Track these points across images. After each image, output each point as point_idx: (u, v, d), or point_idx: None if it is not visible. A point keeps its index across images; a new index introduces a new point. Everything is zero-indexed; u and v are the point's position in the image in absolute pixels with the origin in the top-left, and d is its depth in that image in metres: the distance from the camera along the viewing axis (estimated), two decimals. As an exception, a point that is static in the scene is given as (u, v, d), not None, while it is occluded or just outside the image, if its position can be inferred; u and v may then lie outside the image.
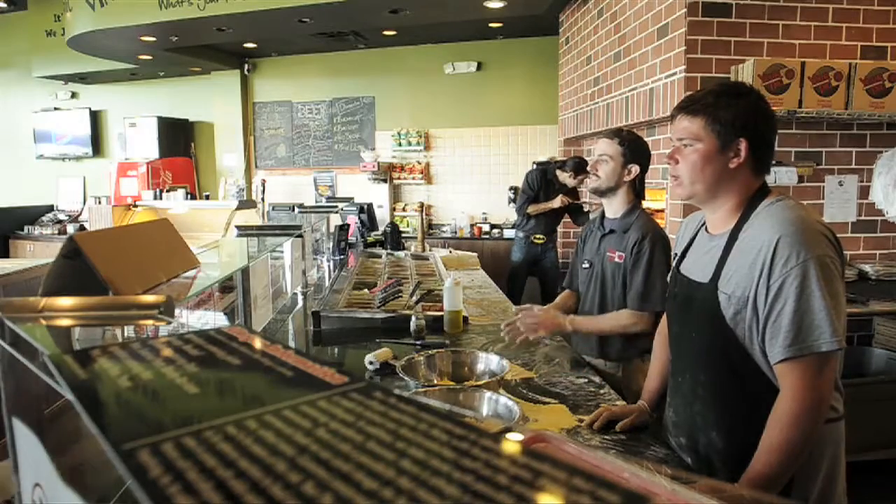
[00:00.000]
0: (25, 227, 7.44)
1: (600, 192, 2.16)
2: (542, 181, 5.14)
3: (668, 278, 1.60)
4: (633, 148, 2.11)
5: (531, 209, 5.12)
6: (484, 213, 6.98)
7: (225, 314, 2.11)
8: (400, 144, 7.20)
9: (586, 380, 1.92)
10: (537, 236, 5.14)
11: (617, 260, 2.10)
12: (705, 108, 1.34)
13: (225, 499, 0.22)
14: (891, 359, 3.08)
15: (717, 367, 1.36)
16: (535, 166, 6.43)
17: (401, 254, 4.36)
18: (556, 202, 4.95)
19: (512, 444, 0.26)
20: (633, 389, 2.10)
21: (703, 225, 1.49)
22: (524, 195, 5.19)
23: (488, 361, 1.81)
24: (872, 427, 2.71)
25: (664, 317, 1.67)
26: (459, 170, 7.17)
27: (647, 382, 1.72)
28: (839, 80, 3.01)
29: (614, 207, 2.17)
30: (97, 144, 8.19)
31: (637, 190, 2.16)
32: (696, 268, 1.43)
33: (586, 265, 2.26)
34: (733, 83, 1.41)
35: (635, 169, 2.11)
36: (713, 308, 1.32)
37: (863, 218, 3.35)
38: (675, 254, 1.58)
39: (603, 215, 2.24)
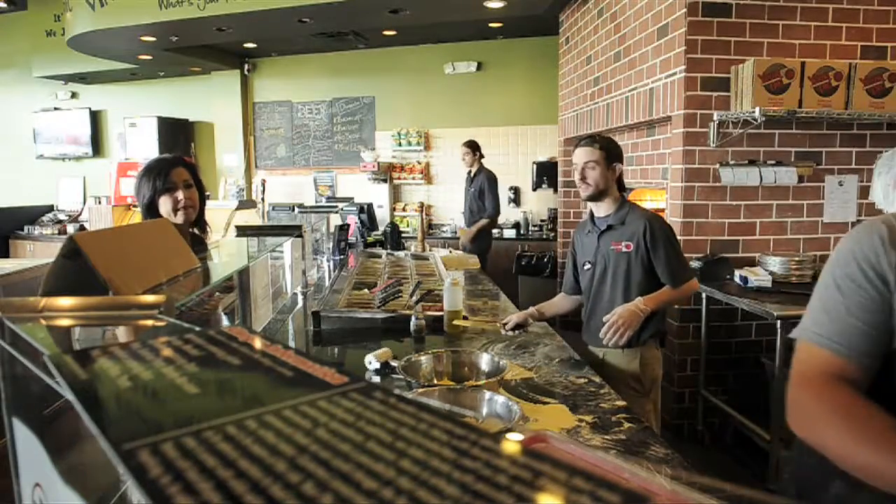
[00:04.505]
0: (25, 227, 7.44)
1: (594, 198, 2.24)
2: None
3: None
4: (611, 149, 2.23)
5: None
6: (484, 213, 6.97)
7: (225, 314, 2.11)
8: (400, 144, 7.20)
9: (586, 380, 1.92)
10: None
11: (624, 249, 2.19)
12: None
13: (225, 499, 0.22)
14: None
15: None
16: (534, 166, 6.57)
17: (401, 254, 4.36)
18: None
19: (512, 444, 0.26)
20: (650, 376, 2.17)
21: None
22: None
23: (488, 361, 1.81)
24: None
25: (838, 388, 0.98)
26: (460, 170, 7.15)
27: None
28: (839, 80, 3.01)
29: (605, 207, 2.26)
30: (97, 144, 8.19)
31: (621, 185, 2.29)
32: None
33: (587, 266, 2.34)
34: None
35: (619, 167, 2.24)
36: None
37: (863, 218, 3.35)
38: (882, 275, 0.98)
39: (592, 217, 2.33)
